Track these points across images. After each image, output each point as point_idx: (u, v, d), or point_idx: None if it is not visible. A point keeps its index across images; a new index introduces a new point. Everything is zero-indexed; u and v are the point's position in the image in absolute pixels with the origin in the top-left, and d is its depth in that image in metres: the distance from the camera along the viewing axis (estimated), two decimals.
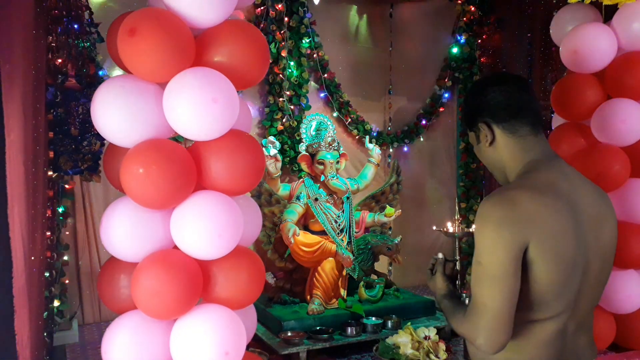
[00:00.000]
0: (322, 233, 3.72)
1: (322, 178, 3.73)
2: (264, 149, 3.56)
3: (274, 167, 3.66)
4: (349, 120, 4.58)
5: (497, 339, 1.22)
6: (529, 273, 1.23)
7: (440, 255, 1.57)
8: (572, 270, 1.27)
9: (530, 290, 1.24)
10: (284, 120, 4.25)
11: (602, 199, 1.37)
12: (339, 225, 3.77)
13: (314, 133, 3.86)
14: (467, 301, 1.34)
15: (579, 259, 1.28)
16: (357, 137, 4.66)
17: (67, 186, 3.37)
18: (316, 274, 3.59)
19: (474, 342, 1.25)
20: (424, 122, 4.92)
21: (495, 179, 1.50)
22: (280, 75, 4.21)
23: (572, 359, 1.35)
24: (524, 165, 1.37)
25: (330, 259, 3.60)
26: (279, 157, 3.71)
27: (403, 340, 2.95)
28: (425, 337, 2.97)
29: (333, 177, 3.71)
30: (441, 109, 4.97)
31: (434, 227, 4.44)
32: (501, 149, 1.40)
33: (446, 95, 4.95)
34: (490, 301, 1.22)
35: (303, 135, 3.89)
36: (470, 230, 4.66)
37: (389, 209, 3.85)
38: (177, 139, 2.02)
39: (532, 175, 1.33)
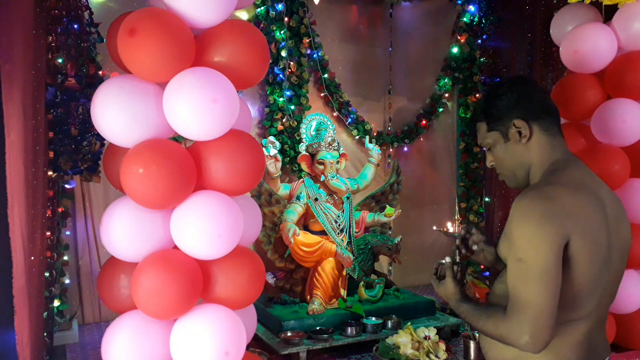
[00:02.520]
0: (322, 233, 3.72)
1: (322, 178, 3.73)
2: (264, 149, 3.56)
3: (274, 167, 3.66)
4: (349, 120, 4.58)
5: (544, 336, 1.20)
6: (568, 269, 1.22)
7: (447, 259, 1.52)
8: (603, 266, 1.28)
9: (568, 287, 1.23)
10: (284, 120, 4.25)
11: (617, 200, 1.39)
12: (339, 225, 3.77)
13: (314, 133, 3.86)
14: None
15: (608, 258, 1.30)
16: (357, 137, 4.66)
17: (67, 186, 3.37)
18: (316, 274, 3.59)
19: (517, 342, 1.22)
20: (424, 122, 4.92)
21: (509, 182, 1.48)
22: (280, 75, 4.21)
23: (595, 358, 1.35)
24: (551, 163, 1.37)
25: (330, 259, 3.61)
26: (279, 157, 3.71)
27: (403, 340, 2.95)
28: (425, 337, 2.97)
29: (333, 177, 3.71)
30: (441, 109, 4.98)
31: (434, 227, 4.44)
32: (533, 147, 1.39)
33: (446, 95, 4.96)
34: (536, 298, 1.20)
35: (303, 135, 3.89)
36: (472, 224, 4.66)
37: (389, 209, 3.85)
38: (177, 139, 2.02)
39: (561, 173, 1.33)
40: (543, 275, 1.19)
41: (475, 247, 1.59)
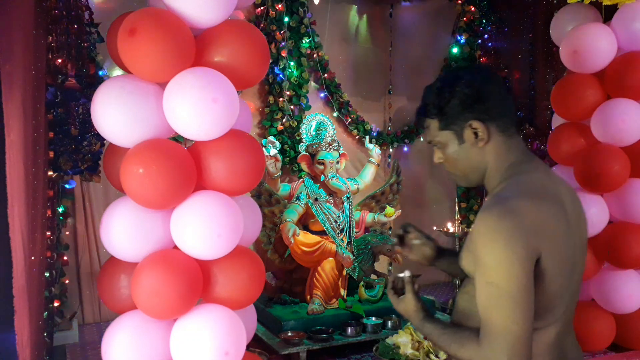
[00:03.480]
0: (322, 233, 3.71)
1: (322, 178, 3.73)
2: (264, 149, 3.56)
3: (274, 167, 3.66)
4: (349, 120, 4.58)
5: None
6: (539, 283, 1.16)
7: (407, 273, 1.38)
8: (571, 273, 1.24)
9: (539, 299, 1.17)
10: (284, 120, 4.25)
11: (576, 197, 1.32)
12: (339, 225, 3.77)
13: (314, 133, 3.86)
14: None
15: (574, 262, 1.25)
16: (357, 137, 4.66)
17: (67, 186, 3.37)
18: (316, 274, 3.59)
19: None
20: None
21: (458, 181, 1.39)
22: (280, 75, 4.21)
23: None
24: (509, 165, 1.29)
25: (330, 259, 3.60)
26: (279, 157, 3.71)
27: (403, 340, 2.95)
28: (425, 337, 2.97)
29: (333, 177, 3.71)
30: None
31: (434, 227, 4.44)
32: (490, 150, 1.29)
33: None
34: (513, 324, 1.12)
35: (303, 135, 3.89)
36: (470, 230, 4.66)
37: (389, 209, 3.85)
38: (177, 139, 2.02)
39: (522, 179, 1.25)
40: (517, 299, 1.12)
41: (416, 242, 1.51)
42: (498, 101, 1.29)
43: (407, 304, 1.36)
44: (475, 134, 1.28)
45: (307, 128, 3.89)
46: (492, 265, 1.14)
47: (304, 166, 3.83)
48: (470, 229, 1.31)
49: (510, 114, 1.31)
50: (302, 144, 3.87)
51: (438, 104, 1.32)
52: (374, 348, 3.06)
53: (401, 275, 1.40)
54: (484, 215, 1.17)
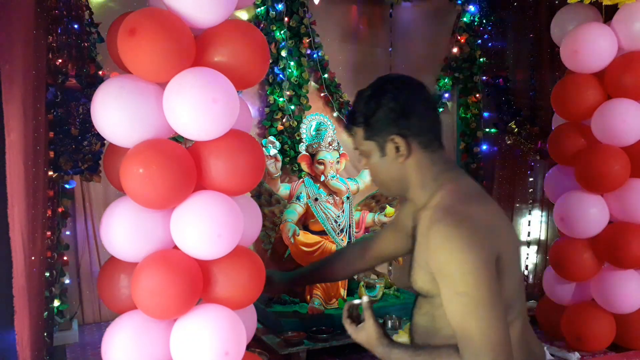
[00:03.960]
0: (322, 233, 3.72)
1: (322, 178, 3.73)
2: (264, 149, 3.56)
3: (274, 167, 3.66)
4: None
5: None
6: (500, 282, 1.15)
7: (365, 299, 1.30)
8: (518, 268, 1.25)
9: (504, 297, 1.16)
10: (284, 120, 4.25)
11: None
12: (339, 225, 3.77)
13: (314, 133, 3.86)
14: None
15: (519, 257, 1.28)
16: None
17: (67, 186, 3.37)
18: None
19: None
20: None
21: (380, 189, 1.38)
22: (280, 75, 4.21)
23: (533, 357, 1.32)
24: (433, 179, 1.28)
25: None
26: (279, 157, 3.71)
27: (403, 340, 2.94)
28: None
29: (333, 177, 3.71)
30: (441, 109, 4.97)
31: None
32: (411, 165, 1.28)
33: (446, 95, 4.95)
34: (491, 330, 1.10)
35: (303, 135, 3.89)
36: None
37: (389, 209, 3.85)
38: (177, 139, 2.02)
39: (454, 185, 1.25)
40: (491, 304, 1.11)
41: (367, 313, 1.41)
42: (422, 118, 1.28)
43: (368, 332, 1.30)
44: (397, 148, 1.27)
45: (307, 128, 3.89)
46: (459, 275, 1.11)
47: (304, 166, 3.83)
48: (416, 247, 1.28)
49: (434, 131, 1.31)
50: (302, 144, 3.87)
51: (364, 114, 1.32)
52: None
53: (357, 302, 1.33)
54: (438, 228, 1.15)
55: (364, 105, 1.33)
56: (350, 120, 1.37)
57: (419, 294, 1.31)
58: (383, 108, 1.28)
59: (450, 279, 1.13)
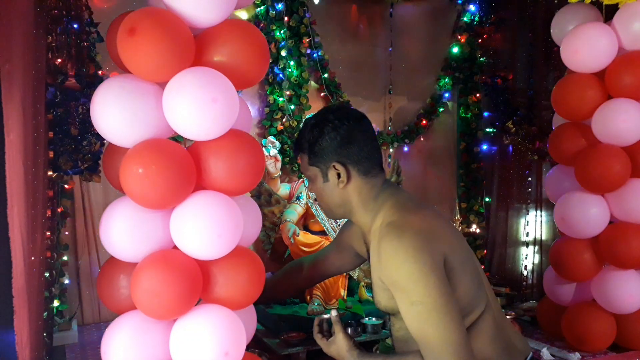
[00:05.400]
0: (322, 233, 3.71)
1: None
2: (264, 149, 3.56)
3: (274, 167, 3.66)
4: None
5: None
6: (454, 281, 1.20)
7: (334, 313, 1.37)
8: (474, 266, 1.29)
9: (461, 294, 1.21)
10: (284, 120, 4.25)
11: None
12: (339, 225, 3.77)
13: None
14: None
15: (470, 255, 1.31)
16: None
17: (66, 186, 3.37)
18: None
19: None
20: (424, 122, 4.92)
21: (326, 214, 1.47)
22: (280, 75, 4.21)
23: (515, 353, 1.33)
24: (373, 199, 1.35)
25: None
26: (279, 157, 3.71)
27: None
28: None
29: None
30: (441, 109, 4.98)
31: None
32: (352, 190, 1.36)
33: (446, 95, 4.95)
34: (450, 334, 1.14)
35: None
36: (470, 230, 4.67)
37: None
38: (176, 138, 2.02)
39: (392, 201, 1.30)
40: (445, 309, 1.15)
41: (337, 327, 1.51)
42: (361, 147, 1.37)
43: (338, 345, 1.38)
44: (338, 175, 1.37)
45: None
46: (410, 285, 1.16)
47: None
48: (371, 268, 1.33)
49: (373, 158, 1.39)
50: None
51: (308, 141, 1.43)
52: (374, 348, 3.05)
53: (326, 316, 1.40)
54: (384, 244, 1.20)
55: (308, 133, 1.43)
56: (296, 146, 1.48)
57: (387, 314, 1.37)
58: (325, 137, 1.37)
59: (402, 291, 1.18)
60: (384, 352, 1.35)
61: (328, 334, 1.44)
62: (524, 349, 1.36)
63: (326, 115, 1.43)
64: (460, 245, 1.26)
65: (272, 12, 4.15)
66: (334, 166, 1.35)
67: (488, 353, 1.25)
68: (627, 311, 3.15)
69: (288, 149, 4.22)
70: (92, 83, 2.87)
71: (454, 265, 1.19)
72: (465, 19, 4.88)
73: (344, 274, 3.66)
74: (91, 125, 2.75)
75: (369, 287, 3.67)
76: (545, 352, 3.20)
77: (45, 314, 2.71)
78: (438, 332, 1.14)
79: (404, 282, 1.17)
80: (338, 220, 3.76)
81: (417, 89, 4.97)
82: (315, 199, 3.72)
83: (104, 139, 2.13)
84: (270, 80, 4.22)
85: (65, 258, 3.53)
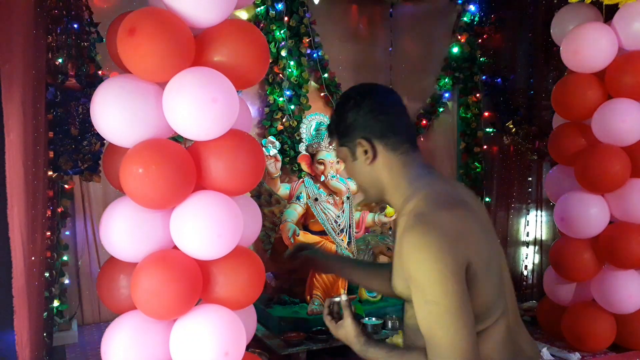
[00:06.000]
0: (322, 233, 3.71)
1: (322, 178, 3.73)
2: (264, 149, 3.56)
3: (274, 167, 3.66)
4: None
5: None
6: (473, 289, 1.17)
7: (343, 297, 1.36)
8: (498, 271, 1.26)
9: (477, 303, 1.18)
10: (284, 120, 4.25)
11: (479, 200, 1.37)
12: (339, 225, 3.77)
13: (314, 133, 3.86)
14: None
15: (498, 261, 1.28)
16: None
17: (66, 186, 3.37)
18: (316, 274, 3.58)
19: None
20: (424, 122, 4.92)
21: (363, 196, 1.43)
22: (280, 75, 4.21)
23: (523, 357, 1.32)
24: (409, 181, 1.31)
25: None
26: (279, 157, 3.71)
27: (402, 340, 2.94)
28: None
29: (333, 177, 3.71)
30: (441, 109, 4.98)
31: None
32: (382, 167, 1.33)
33: (446, 95, 4.95)
34: (458, 339, 1.12)
35: (303, 135, 3.89)
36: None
37: (389, 209, 3.85)
38: (177, 139, 2.01)
39: (429, 190, 1.27)
40: (458, 314, 1.13)
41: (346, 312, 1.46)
42: (388, 121, 1.33)
43: (347, 329, 1.35)
44: (365, 151, 1.33)
45: (307, 128, 3.89)
46: (427, 284, 1.14)
47: (304, 166, 3.82)
48: (394, 252, 1.32)
49: (402, 133, 1.34)
50: (302, 144, 3.87)
51: (335, 121, 1.40)
52: None
53: (337, 299, 1.38)
54: (408, 236, 1.17)
55: (334, 114, 1.41)
56: (328, 130, 1.46)
57: (401, 299, 1.35)
58: (348, 114, 1.34)
59: (419, 287, 1.16)
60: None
61: (338, 316, 1.41)
62: (534, 355, 1.36)
63: (350, 92, 1.41)
64: (489, 250, 1.23)
65: (272, 12, 4.15)
66: (359, 142, 1.31)
67: (495, 359, 1.24)
68: (627, 311, 3.15)
69: (288, 149, 4.22)
70: (92, 83, 2.87)
71: (477, 272, 1.17)
72: (465, 19, 4.88)
73: None
74: (91, 125, 2.75)
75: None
76: (545, 352, 3.20)
77: (45, 313, 2.71)
78: (448, 335, 1.13)
79: (421, 279, 1.15)
80: (338, 221, 3.76)
81: (417, 89, 4.97)
82: (316, 200, 3.73)
83: (104, 139, 2.13)
84: (270, 80, 4.22)
85: (65, 258, 3.53)
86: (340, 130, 1.37)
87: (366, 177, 1.36)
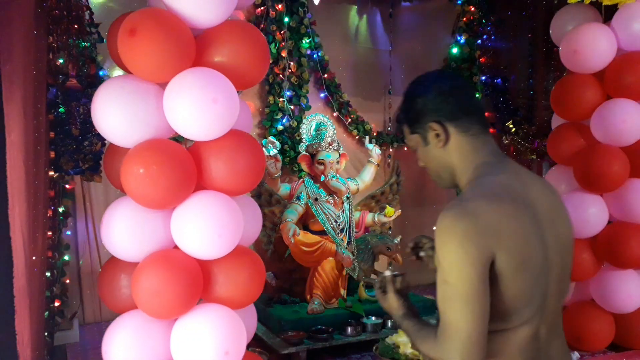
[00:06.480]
0: (322, 233, 3.72)
1: (322, 178, 3.73)
2: (264, 149, 3.56)
3: (274, 167, 3.67)
4: (349, 120, 4.59)
5: (475, 358, 1.17)
6: (497, 285, 1.18)
7: (387, 273, 1.47)
8: (538, 274, 1.24)
9: (500, 301, 1.19)
10: (284, 120, 4.25)
11: (554, 195, 1.34)
12: (339, 225, 3.78)
13: (314, 133, 3.87)
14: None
15: (544, 262, 1.25)
16: (357, 137, 4.66)
17: (67, 186, 3.38)
18: (316, 274, 3.59)
19: None
20: None
21: (437, 183, 1.44)
22: (280, 75, 4.22)
23: None
24: (475, 166, 1.32)
25: (330, 259, 3.61)
26: (279, 157, 3.71)
27: (403, 339, 2.95)
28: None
29: (333, 177, 3.72)
30: None
31: (434, 227, 4.43)
32: (453, 150, 1.34)
33: None
34: (463, 323, 1.16)
35: (303, 135, 3.89)
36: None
37: (388, 209, 3.86)
38: (177, 139, 2.02)
39: (486, 180, 1.27)
40: (468, 299, 1.16)
41: (422, 254, 1.57)
42: (456, 103, 1.34)
43: (390, 302, 1.44)
44: (437, 135, 1.34)
45: (307, 128, 3.90)
46: (447, 265, 1.18)
47: (304, 166, 3.83)
48: None
49: (472, 114, 1.35)
50: (302, 144, 3.88)
51: (403, 110, 1.42)
52: (374, 347, 3.06)
53: (385, 274, 1.48)
54: (442, 217, 1.20)
55: (402, 103, 1.42)
56: (396, 120, 1.48)
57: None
58: (417, 100, 1.36)
59: (440, 266, 1.20)
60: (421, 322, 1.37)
61: (386, 290, 1.51)
62: None
63: (417, 80, 1.44)
64: (530, 251, 1.21)
65: (272, 12, 4.16)
66: (430, 126, 1.33)
67: None
68: (626, 310, 3.15)
69: (288, 149, 4.23)
70: (92, 83, 2.88)
71: (504, 270, 1.17)
72: (465, 19, 4.89)
73: (344, 274, 3.67)
74: (92, 126, 2.75)
75: (369, 287, 3.68)
76: None
77: (46, 313, 2.72)
78: (454, 317, 1.17)
79: (443, 260, 1.18)
80: (338, 220, 3.77)
81: None
82: (316, 200, 3.73)
83: (105, 139, 2.14)
84: (270, 80, 4.22)
85: (66, 258, 3.53)
86: (410, 118, 1.39)
87: (439, 161, 1.38)
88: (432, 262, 1.55)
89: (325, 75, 4.45)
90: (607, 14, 3.17)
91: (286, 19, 4.20)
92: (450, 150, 1.35)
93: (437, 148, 1.35)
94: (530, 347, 1.26)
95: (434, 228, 1.23)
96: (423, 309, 3.70)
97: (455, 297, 1.17)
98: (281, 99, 4.23)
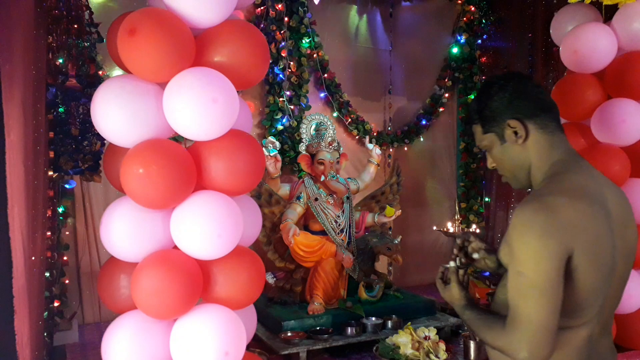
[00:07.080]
0: (322, 233, 3.72)
1: (322, 178, 3.73)
2: (264, 149, 3.56)
3: (274, 167, 3.67)
4: (349, 120, 4.59)
5: (542, 353, 1.17)
6: (570, 281, 1.19)
7: (452, 264, 1.47)
8: (607, 275, 1.25)
9: (570, 298, 1.20)
10: (283, 120, 4.25)
11: (625, 200, 1.35)
12: (339, 225, 3.78)
13: (313, 133, 3.86)
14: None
15: (612, 264, 1.26)
16: (357, 137, 4.66)
17: (67, 186, 3.38)
18: (316, 274, 3.59)
19: (515, 356, 1.19)
20: (424, 122, 4.92)
21: (511, 183, 1.44)
22: (280, 75, 4.22)
23: None
24: (551, 164, 1.33)
25: (330, 259, 3.61)
26: (279, 157, 3.71)
27: (403, 340, 2.95)
28: (425, 337, 2.97)
29: (333, 177, 3.71)
30: (441, 109, 4.98)
31: (434, 227, 4.44)
32: (531, 147, 1.35)
33: (446, 95, 4.96)
34: (535, 314, 1.16)
35: (303, 135, 3.89)
36: (470, 229, 4.67)
37: (388, 209, 3.85)
38: (177, 139, 2.02)
39: (563, 177, 1.28)
40: (543, 291, 1.16)
41: (475, 256, 1.55)
42: (533, 100, 1.36)
43: (452, 293, 1.45)
44: (515, 132, 1.34)
45: (307, 128, 3.89)
46: (524, 257, 1.18)
47: (304, 166, 3.83)
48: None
49: (549, 111, 1.37)
50: (302, 144, 3.87)
51: (477, 110, 1.41)
52: (374, 348, 3.06)
53: (448, 266, 1.48)
54: (521, 210, 1.21)
55: (475, 103, 1.43)
56: (468, 120, 1.50)
57: (501, 267, 1.40)
58: (493, 98, 1.36)
59: (516, 257, 1.20)
60: (485, 311, 1.37)
61: (448, 281, 1.50)
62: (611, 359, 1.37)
63: (489, 80, 1.45)
64: (605, 251, 1.23)
65: (272, 12, 4.16)
66: (508, 124, 1.34)
67: None
68: (627, 311, 3.15)
69: (288, 149, 4.23)
70: (92, 83, 2.88)
71: (578, 268, 1.18)
72: (465, 19, 4.89)
73: (344, 274, 3.67)
74: (92, 125, 2.76)
75: (369, 288, 3.68)
76: None
77: (45, 313, 2.71)
78: (527, 307, 1.17)
79: (519, 251, 1.19)
80: (338, 221, 3.77)
81: (417, 89, 4.98)
82: (316, 200, 3.73)
83: (104, 139, 2.14)
84: (270, 80, 4.22)
85: (65, 258, 3.53)
86: (485, 116, 1.39)
87: (515, 160, 1.38)
88: (485, 263, 1.53)
89: (325, 75, 4.45)
90: (608, 14, 3.16)
91: (286, 19, 4.20)
92: (528, 147, 1.35)
93: (515, 145, 1.36)
94: (585, 348, 1.28)
95: (511, 222, 1.22)
96: (423, 310, 3.70)
97: (530, 289, 1.17)
98: (281, 99, 4.23)
